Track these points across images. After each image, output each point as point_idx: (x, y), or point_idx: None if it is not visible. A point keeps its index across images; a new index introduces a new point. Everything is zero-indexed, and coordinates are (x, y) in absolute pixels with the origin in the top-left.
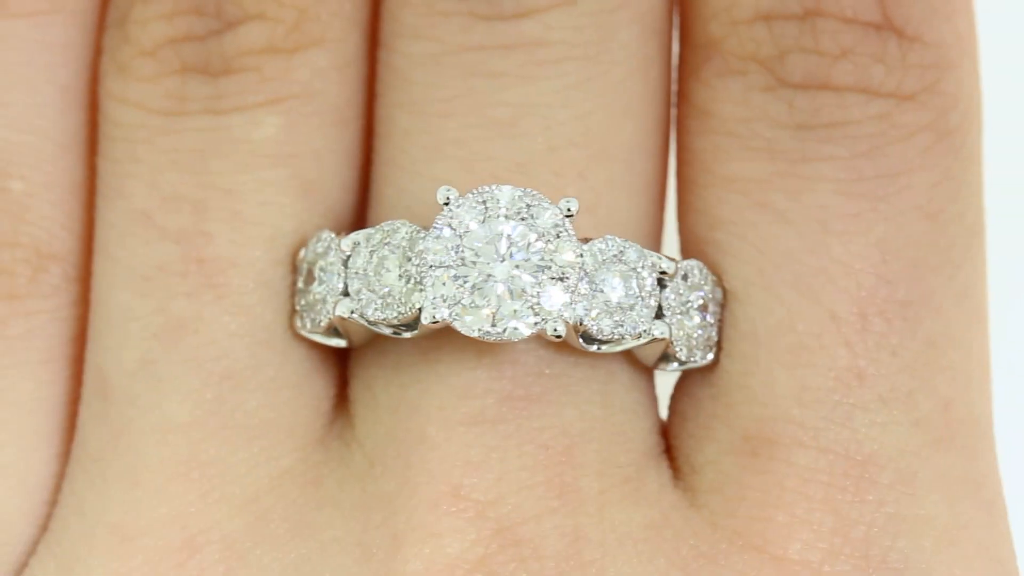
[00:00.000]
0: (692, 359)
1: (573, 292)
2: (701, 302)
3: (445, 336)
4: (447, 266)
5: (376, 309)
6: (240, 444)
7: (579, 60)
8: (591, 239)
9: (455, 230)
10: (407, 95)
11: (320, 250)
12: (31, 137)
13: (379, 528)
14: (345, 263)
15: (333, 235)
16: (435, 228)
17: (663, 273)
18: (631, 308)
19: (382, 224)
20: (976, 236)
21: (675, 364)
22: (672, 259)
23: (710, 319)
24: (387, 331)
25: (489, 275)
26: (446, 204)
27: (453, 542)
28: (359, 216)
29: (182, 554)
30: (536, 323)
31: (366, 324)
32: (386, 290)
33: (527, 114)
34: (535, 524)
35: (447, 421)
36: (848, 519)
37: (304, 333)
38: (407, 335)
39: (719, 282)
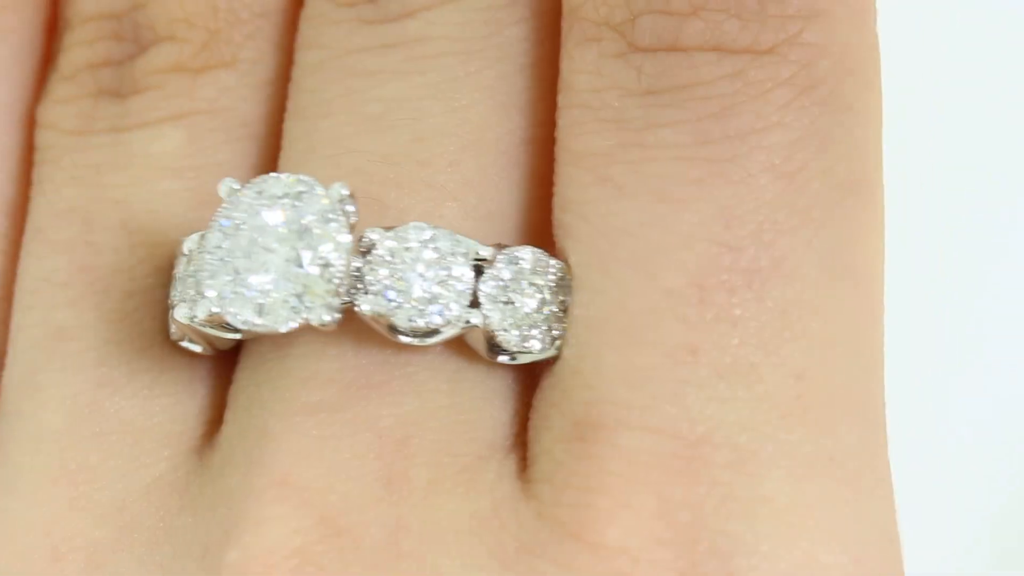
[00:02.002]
0: (525, 350)
1: (340, 285)
2: (536, 291)
3: (291, 334)
4: (220, 258)
5: (185, 312)
6: (112, 451)
7: (460, 55)
8: (399, 226)
9: (232, 220)
10: (296, 103)
11: (186, 250)
12: None
13: (217, 524)
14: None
15: (196, 236)
16: (212, 222)
17: (481, 260)
18: (437, 298)
19: (205, 232)
20: (852, 193)
21: (505, 355)
22: (500, 246)
23: (549, 309)
24: (217, 332)
25: (258, 265)
26: (226, 197)
27: (274, 530)
28: None
29: (47, 562)
30: (302, 313)
31: (180, 331)
32: (190, 292)
33: (397, 108)
34: (358, 514)
35: (286, 412)
36: (673, 502)
37: (174, 338)
38: (215, 332)
39: (566, 268)
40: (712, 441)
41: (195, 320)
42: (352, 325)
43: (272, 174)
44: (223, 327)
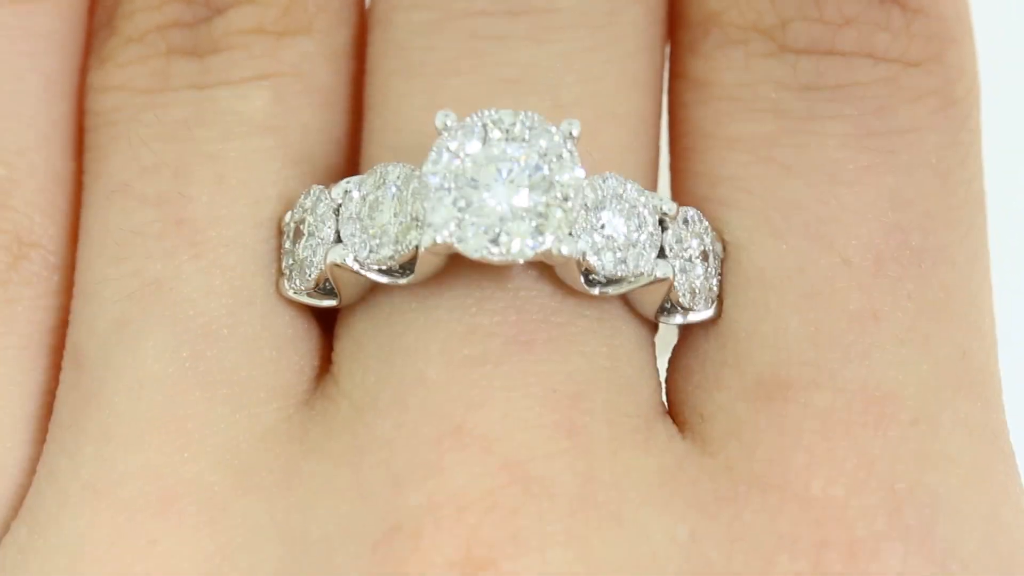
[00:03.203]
0: (695, 308)
1: (575, 218)
2: (702, 250)
3: (443, 282)
4: (447, 188)
5: (371, 250)
6: (219, 400)
7: (588, 28)
8: (594, 175)
9: (454, 153)
10: (404, 61)
11: (309, 204)
12: (14, 124)
13: (374, 469)
14: (336, 212)
15: (322, 187)
16: (433, 152)
17: (664, 215)
18: (633, 246)
19: (374, 167)
20: (981, 209)
21: (677, 315)
22: (673, 202)
23: (711, 270)
24: (382, 278)
25: (491, 195)
26: (445, 129)
27: (457, 476)
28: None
29: (160, 505)
30: (540, 243)
31: (359, 270)
32: (380, 230)
33: (534, 74)
34: (545, 462)
35: (448, 363)
36: (871, 455)
37: (291, 295)
38: (403, 281)
39: (718, 236)
40: (897, 401)
41: (422, 247)
42: (512, 282)
43: (493, 109)
44: (394, 272)
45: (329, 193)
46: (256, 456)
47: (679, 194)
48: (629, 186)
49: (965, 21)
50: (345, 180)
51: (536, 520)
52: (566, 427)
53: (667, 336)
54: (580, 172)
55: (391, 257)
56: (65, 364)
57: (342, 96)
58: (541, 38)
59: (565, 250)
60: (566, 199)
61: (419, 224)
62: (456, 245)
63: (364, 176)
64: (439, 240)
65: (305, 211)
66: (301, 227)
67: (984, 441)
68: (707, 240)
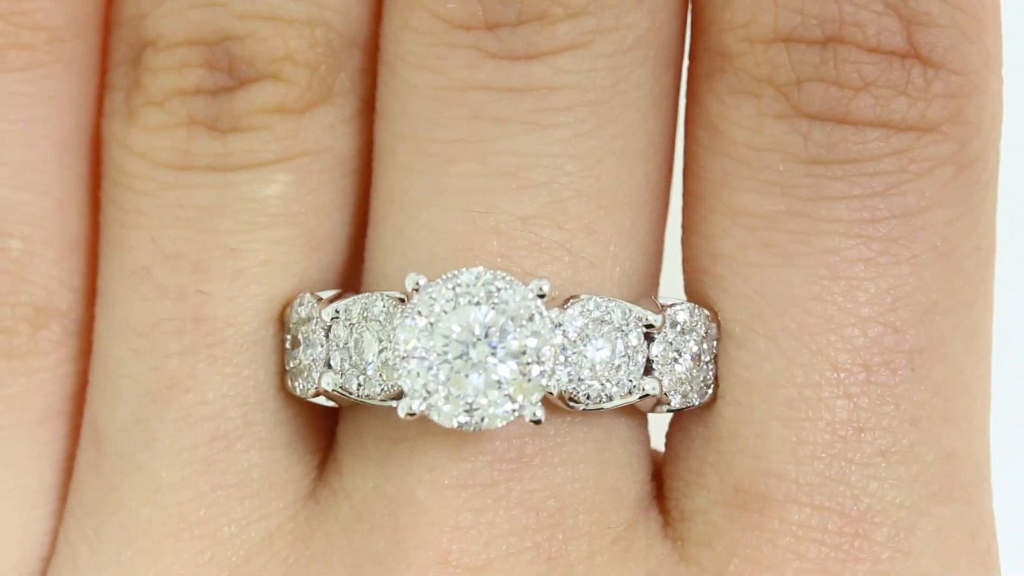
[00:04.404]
0: (688, 403)
1: (551, 368)
2: (694, 348)
3: None
4: (420, 357)
5: (359, 386)
6: (231, 505)
7: (591, 106)
8: (577, 298)
9: (426, 318)
10: (408, 127)
11: (303, 315)
12: (29, 194)
13: None
14: (327, 333)
15: (314, 302)
16: (406, 316)
17: (650, 327)
18: (618, 368)
19: (358, 296)
20: (988, 265)
21: (666, 408)
22: (659, 308)
23: (705, 359)
24: (374, 403)
25: (463, 365)
26: (415, 290)
27: None
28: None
29: None
30: (514, 411)
31: (350, 398)
32: (367, 367)
33: (534, 165)
34: None
35: (436, 484)
36: None
37: (298, 393)
38: (395, 403)
39: (713, 317)
40: (873, 519)
41: (401, 414)
42: None
43: (464, 268)
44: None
45: (320, 313)
46: (264, 562)
47: (685, 250)
48: (612, 306)
49: (993, 61)
50: (334, 305)
51: None
52: (546, 551)
53: None
54: (552, 333)
55: (379, 395)
56: (85, 437)
57: (362, 157)
58: (542, 122)
59: (539, 415)
60: (540, 362)
61: (406, 393)
62: (430, 415)
63: (351, 302)
64: (415, 409)
65: (300, 319)
66: (297, 336)
67: (959, 550)
68: (700, 331)
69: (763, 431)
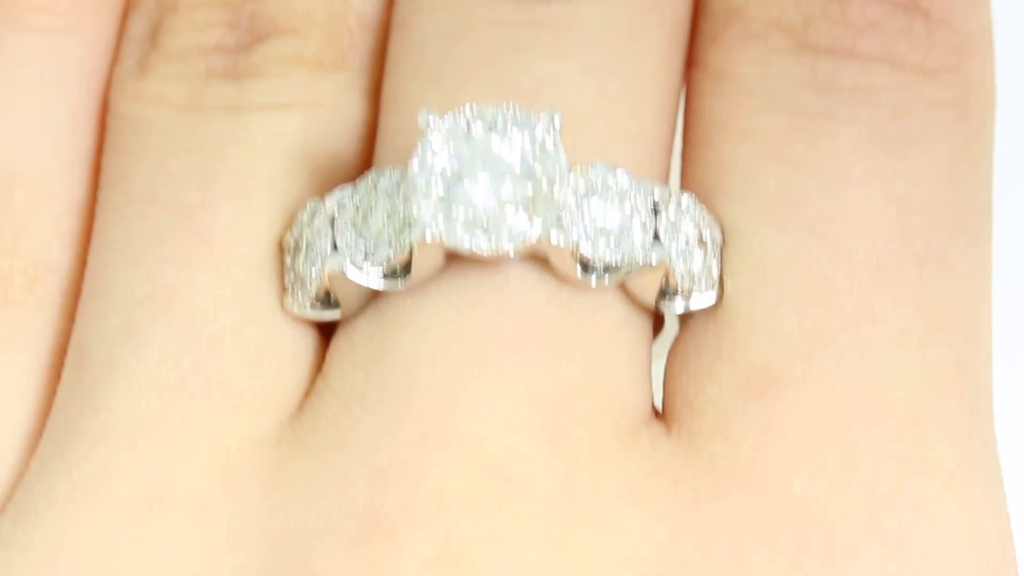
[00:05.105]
0: (694, 295)
1: (565, 207)
2: (698, 234)
3: (440, 283)
4: (433, 186)
5: (367, 254)
6: (216, 408)
7: (607, 46)
8: (582, 164)
9: (438, 151)
10: (422, 64)
11: (306, 219)
12: (39, 151)
13: (356, 467)
14: (332, 223)
15: (317, 200)
16: (417, 152)
17: (657, 202)
18: (626, 232)
19: (365, 174)
20: (988, 220)
21: (678, 300)
22: (666, 187)
23: (709, 255)
24: (380, 284)
25: (476, 190)
26: (427, 127)
27: (436, 475)
28: None
29: (146, 508)
30: (530, 230)
31: (357, 275)
32: (376, 235)
33: (550, 87)
34: (526, 463)
35: (437, 364)
36: (854, 456)
37: (295, 310)
38: (401, 285)
39: (716, 221)
40: (886, 405)
41: (413, 245)
42: (508, 284)
43: (475, 103)
44: (392, 276)
45: (324, 205)
46: (247, 462)
47: (687, 182)
48: (619, 172)
49: (987, 33)
50: (339, 189)
51: (514, 521)
52: (550, 431)
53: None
54: (563, 160)
55: (388, 259)
56: (68, 365)
57: (371, 131)
58: (560, 53)
59: (556, 237)
60: (552, 187)
61: (412, 224)
62: (444, 239)
63: (356, 183)
64: (428, 237)
65: (303, 225)
66: (299, 242)
67: (968, 450)
68: (703, 225)
69: (776, 317)
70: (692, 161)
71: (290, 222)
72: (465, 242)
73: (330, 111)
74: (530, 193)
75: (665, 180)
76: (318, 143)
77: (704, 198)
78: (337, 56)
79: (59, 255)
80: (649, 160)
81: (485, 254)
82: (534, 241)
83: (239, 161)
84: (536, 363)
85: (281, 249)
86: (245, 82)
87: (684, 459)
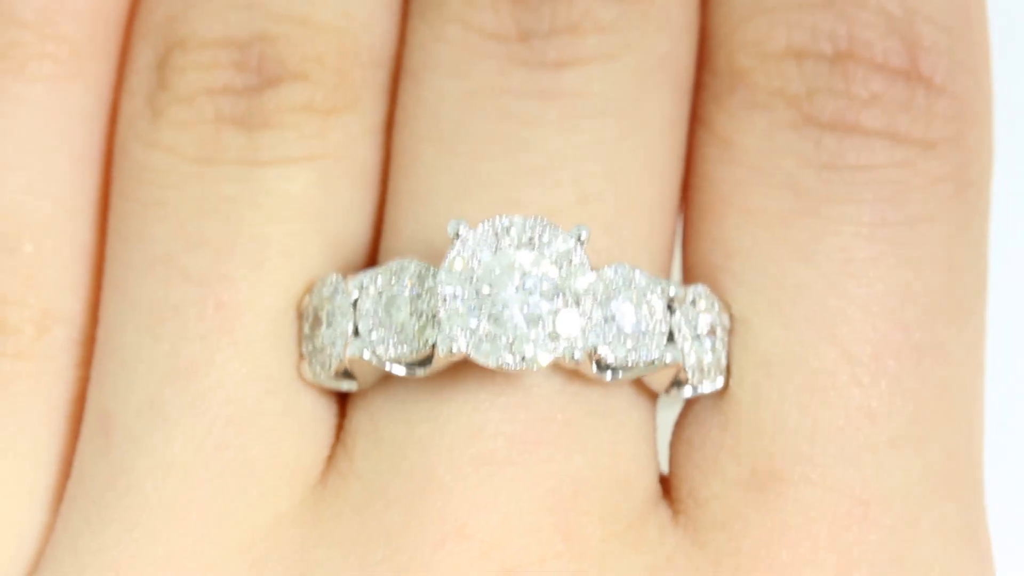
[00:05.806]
0: (703, 383)
1: (588, 318)
2: (709, 327)
3: (458, 375)
4: (462, 298)
5: (389, 347)
6: (240, 489)
7: (615, 116)
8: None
9: (467, 261)
10: (435, 129)
11: (327, 293)
12: (44, 202)
13: (380, 564)
14: (354, 305)
15: (339, 277)
16: (447, 260)
17: (672, 299)
18: (643, 334)
19: (389, 263)
20: (983, 288)
21: (688, 388)
22: (680, 286)
23: (718, 344)
24: (400, 370)
25: (505, 304)
26: (456, 236)
27: None
28: (371, 253)
29: None
30: (555, 349)
31: (378, 363)
32: (398, 328)
33: (560, 164)
34: (539, 567)
35: (456, 461)
36: (851, 559)
37: (311, 379)
38: (421, 372)
39: (725, 308)
40: (882, 504)
41: (440, 354)
42: (524, 378)
43: (504, 215)
44: (411, 366)
45: (346, 285)
46: (270, 547)
47: (688, 255)
48: (637, 274)
49: (987, 99)
50: (362, 273)
51: None
52: (562, 530)
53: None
54: (591, 277)
55: (409, 355)
56: (90, 426)
57: (379, 170)
58: (569, 126)
59: (579, 355)
60: (578, 304)
61: (435, 323)
62: (472, 355)
63: (380, 270)
64: (455, 350)
65: (323, 299)
66: (320, 315)
67: (960, 544)
68: (715, 315)
69: (780, 414)
70: (696, 232)
71: (308, 288)
72: (492, 361)
73: (340, 161)
74: (556, 314)
75: (671, 243)
76: (330, 200)
77: (709, 277)
78: (349, 98)
79: (68, 304)
80: (654, 230)
81: (512, 371)
82: (559, 355)
83: (254, 228)
84: (550, 459)
85: (299, 314)
86: (256, 133)
87: (688, 555)
